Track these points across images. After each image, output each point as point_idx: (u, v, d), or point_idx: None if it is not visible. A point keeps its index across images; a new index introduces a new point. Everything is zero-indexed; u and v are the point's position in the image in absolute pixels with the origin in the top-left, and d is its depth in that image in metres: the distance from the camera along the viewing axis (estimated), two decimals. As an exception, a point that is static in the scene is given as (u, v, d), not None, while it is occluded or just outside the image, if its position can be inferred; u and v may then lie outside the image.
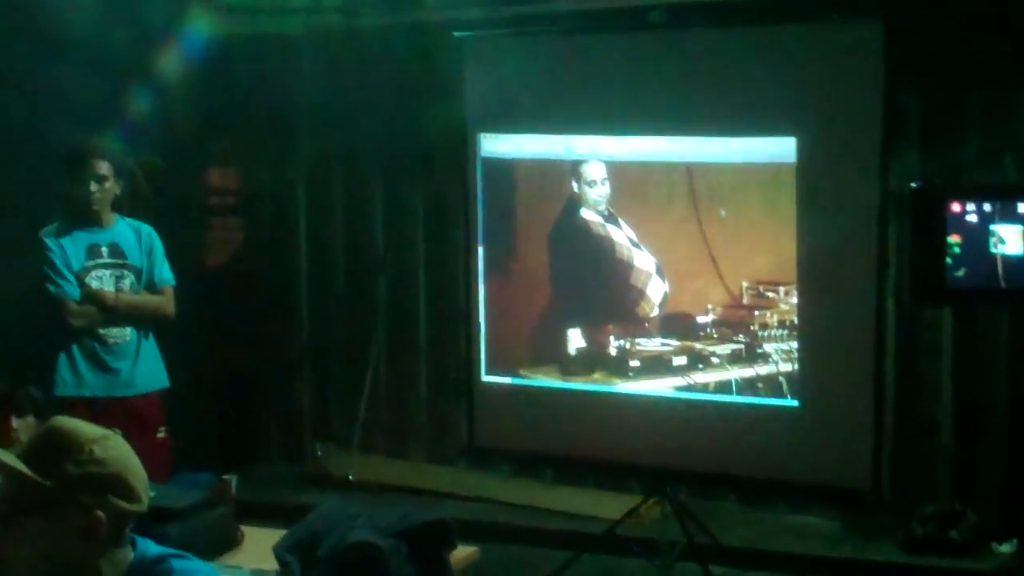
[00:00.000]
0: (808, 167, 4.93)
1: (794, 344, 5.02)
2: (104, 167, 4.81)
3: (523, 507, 5.82)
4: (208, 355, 6.33)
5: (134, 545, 2.30)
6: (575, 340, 5.44)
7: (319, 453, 6.29)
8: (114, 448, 2.25)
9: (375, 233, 6.40)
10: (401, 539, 3.51)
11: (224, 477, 4.86)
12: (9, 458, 2.20)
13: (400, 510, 3.68)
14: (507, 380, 5.58)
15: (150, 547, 2.33)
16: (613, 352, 5.35)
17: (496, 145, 5.57)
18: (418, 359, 6.34)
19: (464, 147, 5.63)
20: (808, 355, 5.00)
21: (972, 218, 4.96)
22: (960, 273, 4.95)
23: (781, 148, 4.97)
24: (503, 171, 5.61)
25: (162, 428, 4.94)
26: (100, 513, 2.20)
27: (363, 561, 3.48)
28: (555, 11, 5.76)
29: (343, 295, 6.50)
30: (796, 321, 5.01)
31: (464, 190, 5.67)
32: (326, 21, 6.24)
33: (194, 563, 2.33)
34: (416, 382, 6.35)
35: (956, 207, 4.97)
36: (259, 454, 6.51)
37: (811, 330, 4.99)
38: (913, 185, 5.13)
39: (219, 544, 3.84)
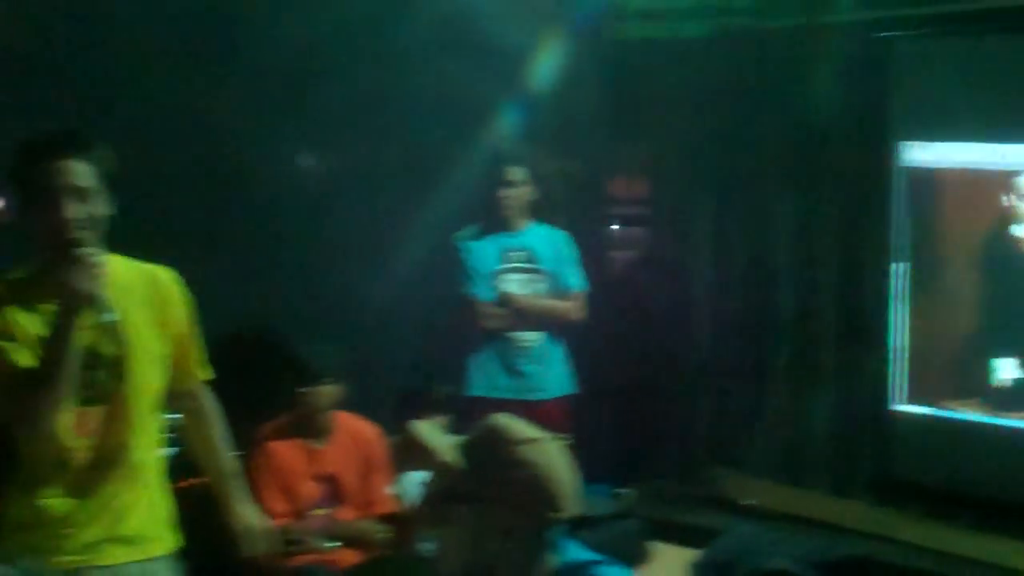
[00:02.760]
0: None
1: None
2: (518, 173, 5.30)
3: (933, 552, 5.70)
4: (608, 364, 6.50)
5: (561, 548, 2.48)
6: (1007, 371, 5.36)
7: (714, 474, 6.42)
8: (544, 453, 2.45)
9: (780, 247, 6.48)
10: (821, 572, 3.70)
11: (622, 491, 5.17)
12: (446, 449, 2.47)
13: (818, 542, 3.89)
14: (925, 411, 5.57)
15: (575, 552, 2.50)
16: (1054, 387, 5.18)
17: (919, 154, 5.60)
18: (823, 382, 6.31)
19: (882, 156, 5.67)
20: None
21: None
22: None
23: None
24: (926, 182, 5.62)
25: (566, 435, 5.37)
26: (521, 514, 2.40)
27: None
28: (987, 8, 5.65)
29: (744, 312, 6.61)
30: None
31: (881, 203, 5.70)
32: (735, 24, 6.41)
33: (620, 571, 2.49)
34: (820, 406, 6.32)
35: None
36: (651, 470, 6.63)
37: None
38: None
39: (628, 557, 3.99)
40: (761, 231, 6.58)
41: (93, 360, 3.22)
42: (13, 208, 3.40)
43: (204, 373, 3.55)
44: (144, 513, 3.36)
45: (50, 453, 3.24)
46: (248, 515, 3.62)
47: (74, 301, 3.10)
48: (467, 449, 2.49)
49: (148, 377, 3.33)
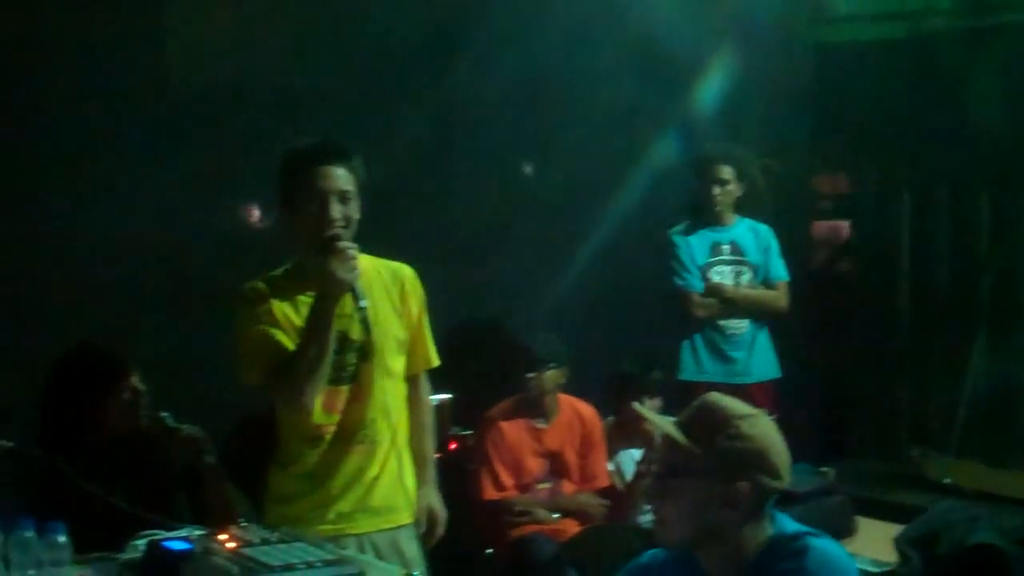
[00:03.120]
0: None
1: None
2: (727, 171, 5.41)
3: None
4: (810, 350, 6.49)
5: (773, 520, 2.54)
6: None
7: (914, 454, 6.33)
8: (761, 426, 2.52)
9: (977, 236, 6.43)
10: (1027, 548, 3.65)
11: (823, 469, 5.26)
12: (669, 427, 2.56)
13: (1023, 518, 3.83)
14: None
15: (788, 523, 2.55)
16: None
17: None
18: (1022, 365, 6.22)
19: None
20: None
21: None
22: None
23: None
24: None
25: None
26: (743, 485, 2.46)
27: (986, 564, 3.66)
28: None
29: (944, 298, 6.56)
30: None
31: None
32: (934, 25, 6.36)
33: (829, 543, 2.53)
34: (1020, 388, 6.27)
35: None
36: (853, 450, 6.65)
37: None
38: None
39: (834, 531, 3.86)
40: (960, 222, 6.54)
41: (343, 344, 3.40)
42: (276, 213, 3.63)
43: (434, 360, 3.66)
44: (389, 486, 3.50)
45: (306, 430, 3.42)
46: (433, 500, 3.69)
47: (334, 288, 3.28)
48: (686, 425, 2.56)
49: (390, 360, 3.50)
